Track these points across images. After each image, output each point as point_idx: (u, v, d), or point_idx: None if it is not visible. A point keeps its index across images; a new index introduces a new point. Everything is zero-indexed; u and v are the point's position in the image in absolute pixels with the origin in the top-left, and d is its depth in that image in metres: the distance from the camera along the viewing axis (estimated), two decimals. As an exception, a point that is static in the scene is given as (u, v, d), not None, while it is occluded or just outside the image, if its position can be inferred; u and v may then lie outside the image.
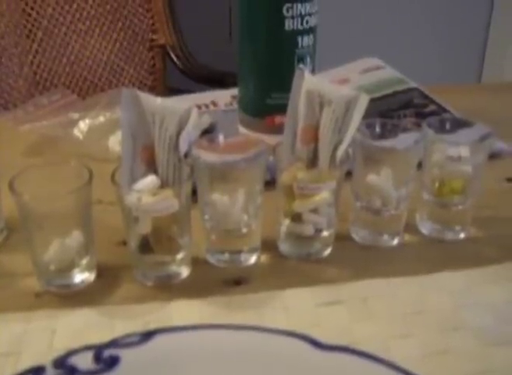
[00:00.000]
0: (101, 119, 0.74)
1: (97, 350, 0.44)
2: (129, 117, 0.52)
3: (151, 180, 0.52)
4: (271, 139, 0.59)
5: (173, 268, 0.55)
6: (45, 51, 1.20)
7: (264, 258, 0.58)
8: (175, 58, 1.27)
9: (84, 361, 0.43)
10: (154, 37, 1.28)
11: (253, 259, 0.57)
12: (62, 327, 0.51)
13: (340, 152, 0.54)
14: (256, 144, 0.55)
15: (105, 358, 0.43)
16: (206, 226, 0.56)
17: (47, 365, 0.43)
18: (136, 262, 0.55)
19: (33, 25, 1.19)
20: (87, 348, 0.44)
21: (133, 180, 0.52)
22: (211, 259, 0.57)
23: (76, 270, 0.54)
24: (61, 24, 1.20)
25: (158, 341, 0.44)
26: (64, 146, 0.74)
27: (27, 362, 0.45)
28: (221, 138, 0.57)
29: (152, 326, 0.48)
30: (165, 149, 0.52)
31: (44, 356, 0.45)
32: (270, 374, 0.43)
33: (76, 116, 0.74)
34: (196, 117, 0.51)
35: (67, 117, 0.74)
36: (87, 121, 0.74)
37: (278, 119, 0.68)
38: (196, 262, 0.56)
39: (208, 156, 0.54)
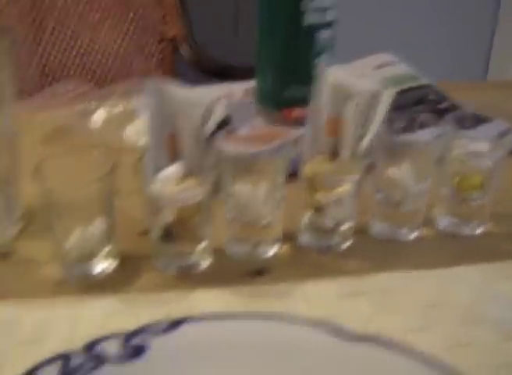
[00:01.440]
0: (118, 109, 0.74)
1: (126, 337, 0.44)
2: (155, 106, 0.52)
3: (175, 169, 0.52)
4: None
5: (195, 258, 0.55)
6: (56, 42, 1.20)
7: (284, 249, 0.58)
8: (185, 51, 1.27)
9: (112, 348, 0.43)
10: (165, 29, 1.27)
11: (273, 251, 0.57)
12: (85, 315, 0.51)
13: (363, 146, 0.54)
14: (280, 135, 0.56)
15: (133, 345, 0.43)
16: (228, 217, 0.56)
17: (74, 351, 0.43)
18: (157, 252, 0.55)
19: (44, 16, 1.18)
20: (116, 335, 0.44)
21: (158, 169, 0.52)
22: (232, 250, 0.57)
23: (98, 259, 0.54)
24: (72, 15, 1.20)
25: (186, 329, 0.44)
26: (80, 135, 0.74)
27: (51, 349, 0.45)
28: (244, 129, 0.57)
29: (174, 315, 0.48)
30: (190, 139, 0.52)
31: (68, 343, 0.45)
32: (296, 364, 0.43)
33: (92, 105, 0.74)
34: (223, 106, 0.51)
35: (83, 106, 0.74)
36: (104, 111, 0.74)
37: (295, 112, 0.69)
38: (217, 253, 0.56)
39: (231, 147, 0.54)
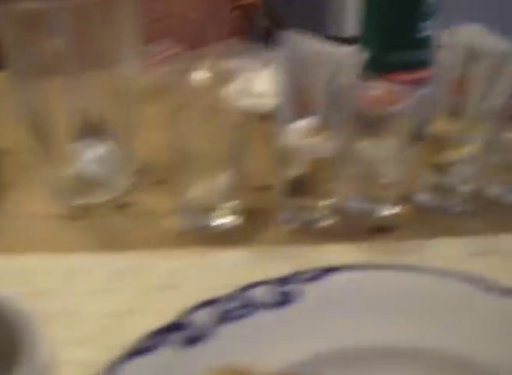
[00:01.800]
0: (216, 69, 0.73)
1: (277, 283, 0.44)
2: (289, 59, 0.52)
3: (306, 122, 0.52)
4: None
5: (319, 213, 0.55)
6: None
7: (404, 209, 0.57)
8: (259, 20, 1.26)
9: (264, 294, 0.43)
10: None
11: (394, 209, 0.57)
12: (212, 265, 0.51)
13: (489, 105, 0.53)
14: (401, 97, 0.55)
15: (285, 292, 0.43)
16: (351, 174, 0.56)
17: (228, 296, 0.43)
18: (282, 206, 0.55)
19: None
20: (266, 281, 0.44)
21: (289, 122, 0.52)
22: (353, 207, 0.57)
23: (220, 212, 0.54)
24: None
25: (335, 277, 0.44)
26: (180, 94, 0.73)
27: (183, 297, 0.45)
28: (369, 88, 0.56)
29: (300, 268, 0.48)
30: (322, 93, 0.51)
31: (201, 292, 0.45)
32: (440, 316, 0.43)
33: (189, 65, 0.74)
34: (355, 62, 0.51)
35: (181, 66, 0.74)
36: (203, 70, 0.73)
37: (401, 75, 0.68)
38: (340, 209, 0.56)
39: (357, 104, 0.54)
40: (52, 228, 0.56)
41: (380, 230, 0.55)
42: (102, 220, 0.57)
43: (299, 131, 0.51)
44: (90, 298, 0.48)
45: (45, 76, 0.54)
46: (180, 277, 0.50)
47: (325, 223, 0.55)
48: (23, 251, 0.53)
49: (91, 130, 0.57)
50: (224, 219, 0.54)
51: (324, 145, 0.51)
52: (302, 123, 0.52)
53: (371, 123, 0.54)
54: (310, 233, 0.54)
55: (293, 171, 0.52)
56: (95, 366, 0.39)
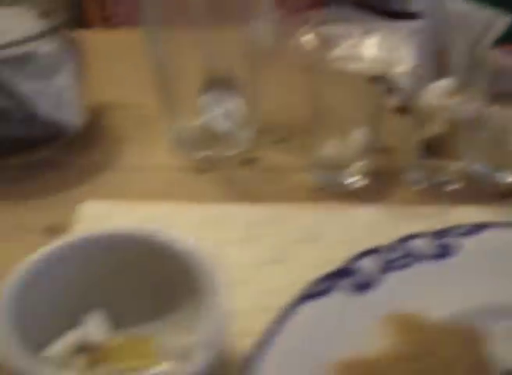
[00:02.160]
0: (320, 34, 0.73)
1: (434, 236, 0.44)
2: (430, 20, 0.52)
3: (446, 82, 0.52)
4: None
5: (448, 175, 0.55)
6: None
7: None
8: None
9: (422, 245, 0.44)
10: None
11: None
12: (348, 221, 0.52)
13: None
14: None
15: (441, 245, 0.44)
16: (481, 139, 0.56)
17: (383, 247, 0.44)
18: (413, 166, 0.55)
19: None
20: (424, 233, 0.45)
21: (426, 82, 0.52)
22: (480, 172, 0.57)
23: (352, 170, 0.55)
24: None
25: (492, 232, 0.45)
26: (286, 57, 0.74)
27: (325, 250, 0.47)
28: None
29: (432, 227, 0.48)
30: (463, 54, 0.52)
31: (340, 246, 0.46)
32: None
33: (293, 28, 0.74)
34: (499, 26, 0.51)
35: (289, 29, 0.74)
36: (307, 34, 0.73)
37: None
38: (467, 173, 0.56)
39: (495, 69, 0.54)
40: (177, 180, 0.57)
41: (504, 196, 0.55)
42: (228, 174, 0.57)
43: (436, 92, 0.52)
44: (229, 247, 0.49)
45: (179, 28, 0.55)
46: (318, 231, 0.51)
47: (453, 186, 0.55)
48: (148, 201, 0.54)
49: (220, 85, 0.57)
50: (354, 178, 0.55)
51: (460, 107, 0.51)
52: (440, 84, 0.52)
53: (505, 90, 0.54)
54: (436, 195, 0.55)
55: (429, 131, 0.53)
56: (251, 312, 0.39)
